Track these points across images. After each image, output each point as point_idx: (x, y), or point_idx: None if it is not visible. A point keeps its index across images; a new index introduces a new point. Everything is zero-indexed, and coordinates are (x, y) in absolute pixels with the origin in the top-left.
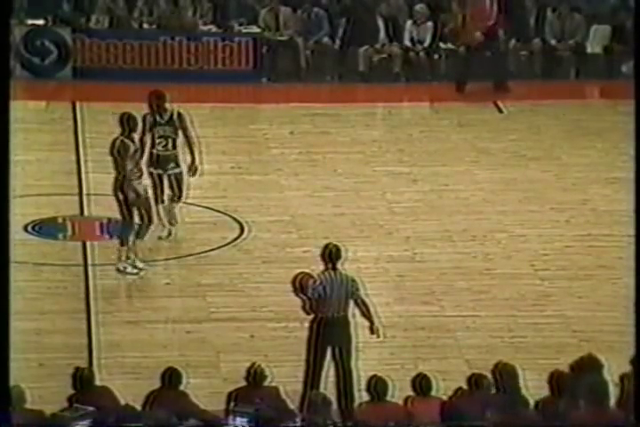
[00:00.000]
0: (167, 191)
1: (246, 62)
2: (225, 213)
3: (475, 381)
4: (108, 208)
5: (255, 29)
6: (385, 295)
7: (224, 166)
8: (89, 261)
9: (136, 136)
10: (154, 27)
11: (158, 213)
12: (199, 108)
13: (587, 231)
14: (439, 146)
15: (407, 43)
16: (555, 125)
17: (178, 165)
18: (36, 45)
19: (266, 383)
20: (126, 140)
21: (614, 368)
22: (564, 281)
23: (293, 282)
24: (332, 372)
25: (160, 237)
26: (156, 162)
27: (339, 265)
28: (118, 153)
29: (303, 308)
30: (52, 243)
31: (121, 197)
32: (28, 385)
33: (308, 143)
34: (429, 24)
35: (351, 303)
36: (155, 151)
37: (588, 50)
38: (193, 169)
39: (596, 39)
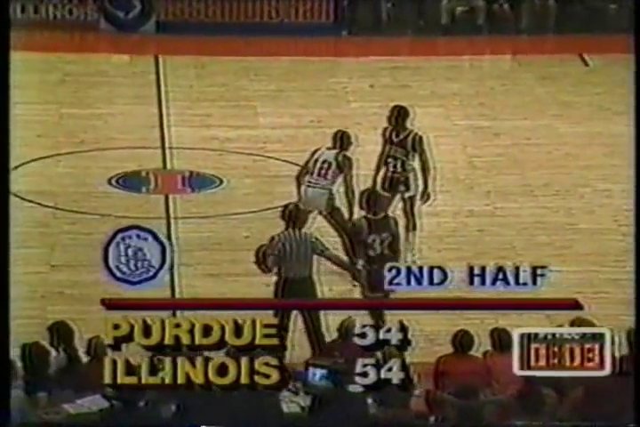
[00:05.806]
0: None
1: (327, 15)
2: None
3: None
4: (191, 162)
5: None
6: (464, 250)
7: (303, 120)
8: (171, 215)
9: (349, 153)
10: None
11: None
12: (279, 61)
13: None
14: (521, 99)
15: None
16: None
17: (408, 189)
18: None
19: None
20: (348, 155)
21: None
22: None
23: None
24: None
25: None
26: (382, 183)
27: (299, 224)
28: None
29: (260, 266)
30: (136, 196)
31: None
32: None
33: (388, 97)
34: None
35: (315, 263)
36: (382, 172)
37: None
38: (425, 195)
39: None
